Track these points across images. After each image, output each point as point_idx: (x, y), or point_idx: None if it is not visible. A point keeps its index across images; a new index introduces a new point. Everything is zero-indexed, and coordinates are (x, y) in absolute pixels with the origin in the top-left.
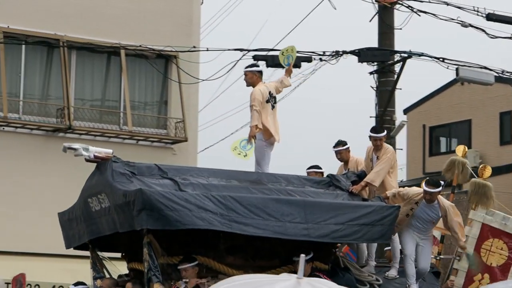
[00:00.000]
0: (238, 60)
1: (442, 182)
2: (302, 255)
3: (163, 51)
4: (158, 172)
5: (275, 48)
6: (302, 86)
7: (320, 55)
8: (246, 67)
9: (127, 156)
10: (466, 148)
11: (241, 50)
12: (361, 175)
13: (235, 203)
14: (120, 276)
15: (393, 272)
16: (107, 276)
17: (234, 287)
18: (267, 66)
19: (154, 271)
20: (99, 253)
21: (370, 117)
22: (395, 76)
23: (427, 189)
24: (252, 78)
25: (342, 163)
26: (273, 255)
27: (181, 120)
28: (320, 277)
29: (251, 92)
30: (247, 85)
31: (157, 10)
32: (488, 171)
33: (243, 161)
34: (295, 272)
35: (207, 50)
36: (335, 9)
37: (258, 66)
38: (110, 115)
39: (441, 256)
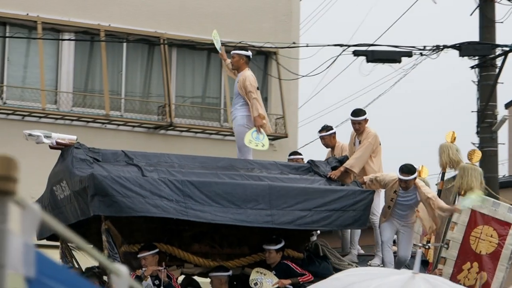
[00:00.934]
0: (338, 56)
1: (416, 168)
2: (419, 250)
3: (263, 47)
4: (124, 158)
5: (375, 43)
6: (402, 81)
7: (420, 49)
8: (235, 49)
9: (228, 153)
10: (455, 133)
11: (341, 45)
12: (343, 161)
13: (193, 188)
14: (89, 269)
15: (376, 261)
16: (76, 267)
17: (348, 277)
18: (367, 61)
19: (113, 258)
20: (69, 243)
21: (472, 112)
22: (497, 70)
23: (401, 177)
24: (239, 62)
25: (329, 149)
26: (242, 243)
27: (281, 117)
28: (289, 266)
29: (244, 78)
30: (233, 68)
31: (256, 7)
32: (477, 155)
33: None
34: (265, 260)
35: (307, 46)
36: (435, 3)
37: (247, 50)
38: (211, 112)
39: (430, 245)
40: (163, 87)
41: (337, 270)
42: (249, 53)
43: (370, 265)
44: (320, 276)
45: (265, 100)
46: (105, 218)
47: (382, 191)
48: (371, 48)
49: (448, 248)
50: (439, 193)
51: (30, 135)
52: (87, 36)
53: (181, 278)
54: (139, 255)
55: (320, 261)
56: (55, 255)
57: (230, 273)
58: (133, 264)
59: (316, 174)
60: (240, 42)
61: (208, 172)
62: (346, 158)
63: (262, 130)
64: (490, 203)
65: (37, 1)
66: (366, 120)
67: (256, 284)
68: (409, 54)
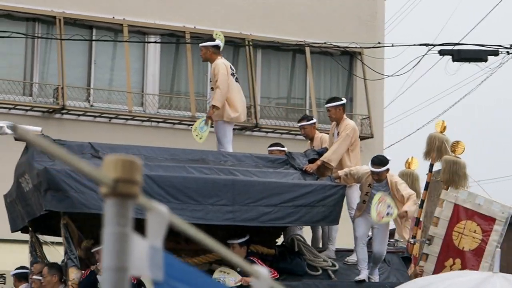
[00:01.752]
0: (423, 56)
1: (389, 159)
2: (498, 250)
3: (348, 47)
4: (90, 151)
5: (461, 42)
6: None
7: (507, 48)
8: (201, 43)
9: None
10: (445, 122)
11: (426, 45)
12: (322, 153)
13: (151, 183)
14: (52, 264)
15: (354, 257)
16: (44, 261)
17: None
18: (453, 60)
19: (70, 255)
20: (40, 236)
21: None
22: None
23: (373, 169)
24: (206, 53)
25: (309, 141)
26: (209, 238)
27: (366, 117)
28: (253, 262)
29: (213, 67)
30: (203, 61)
31: (341, 7)
32: (461, 148)
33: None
34: (217, 259)
35: (392, 46)
36: None
37: (213, 40)
38: (296, 113)
39: (411, 240)
40: (248, 88)
41: (311, 266)
42: (216, 42)
43: (347, 262)
44: (291, 272)
45: (350, 100)
46: (63, 213)
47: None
48: (456, 47)
49: (430, 244)
50: (427, 185)
51: None
52: (172, 38)
53: None
54: (93, 250)
55: (293, 257)
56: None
57: None
58: (93, 260)
59: (292, 167)
60: (325, 43)
61: (176, 165)
62: (325, 150)
63: (209, 122)
64: (473, 197)
65: (123, 5)
66: (338, 109)
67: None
68: (495, 53)
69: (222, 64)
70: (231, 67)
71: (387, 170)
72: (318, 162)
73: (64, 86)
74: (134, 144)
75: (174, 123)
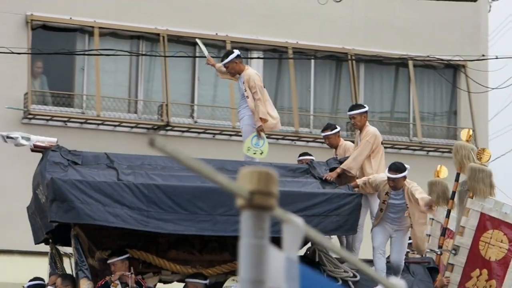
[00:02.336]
0: None
1: (407, 166)
2: None
3: (451, 60)
4: (105, 161)
5: None
6: None
7: None
8: (222, 60)
9: (417, 168)
10: (471, 131)
11: None
12: (344, 162)
13: (159, 193)
14: (65, 275)
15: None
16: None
17: None
18: None
19: (81, 266)
20: (61, 248)
21: None
22: None
23: (389, 175)
24: (235, 67)
25: (334, 149)
26: (223, 248)
27: (471, 130)
28: None
29: (248, 78)
30: (233, 75)
31: (443, 20)
32: (487, 155)
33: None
34: (234, 269)
35: (496, 58)
36: None
37: (233, 52)
38: (400, 127)
39: (437, 250)
40: (351, 103)
41: (331, 278)
42: (236, 52)
43: None
44: None
45: (454, 113)
46: (74, 224)
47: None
48: None
49: (456, 254)
50: (453, 194)
51: (8, 137)
52: (275, 54)
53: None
54: (108, 261)
55: (313, 268)
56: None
57: (207, 281)
58: (106, 272)
59: (312, 176)
60: (428, 56)
61: (190, 174)
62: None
63: (262, 134)
64: (499, 206)
65: (225, 21)
66: (363, 116)
67: None
68: None
69: (256, 75)
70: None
71: (404, 177)
72: (338, 170)
73: (168, 103)
74: (152, 155)
75: (277, 138)
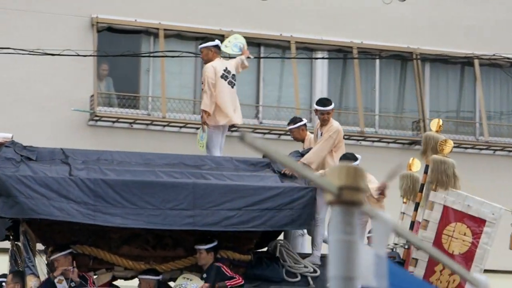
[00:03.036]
0: None
1: (358, 157)
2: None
3: None
4: (60, 157)
5: None
6: None
7: None
8: (200, 43)
9: (483, 168)
10: (441, 121)
11: None
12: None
13: (106, 188)
14: (17, 272)
15: (311, 259)
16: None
17: None
18: None
19: (27, 263)
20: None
21: None
22: None
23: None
24: (208, 54)
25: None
26: (177, 244)
27: None
28: (220, 268)
29: (203, 70)
30: (205, 63)
31: (509, 18)
32: (448, 146)
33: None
34: (197, 263)
35: None
36: None
37: (213, 40)
38: (466, 126)
39: (403, 244)
40: (416, 102)
41: (290, 273)
42: (216, 42)
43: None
44: (267, 279)
45: None
46: (22, 219)
47: None
48: None
49: (419, 248)
50: (422, 187)
51: None
52: (340, 54)
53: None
54: (51, 257)
55: (270, 263)
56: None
57: (160, 277)
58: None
59: (271, 170)
60: (493, 55)
61: (146, 169)
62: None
63: (204, 127)
64: (462, 198)
65: (290, 21)
66: (332, 111)
67: None
68: None
69: (210, 67)
70: (225, 69)
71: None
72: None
73: None
74: (111, 150)
75: (344, 139)
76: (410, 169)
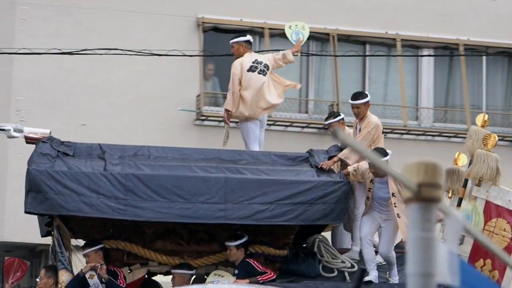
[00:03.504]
0: None
1: (388, 152)
2: None
3: None
4: (97, 152)
5: None
6: None
7: None
8: (232, 39)
9: None
10: (486, 116)
11: None
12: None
13: (137, 182)
14: (49, 267)
15: (349, 254)
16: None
17: None
18: None
19: (60, 257)
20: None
21: None
22: None
23: (369, 162)
24: (239, 49)
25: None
26: (212, 239)
27: None
28: (250, 264)
29: (232, 66)
30: (236, 58)
31: None
32: (492, 141)
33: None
34: (222, 260)
35: None
36: None
37: (245, 35)
38: None
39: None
40: None
41: (327, 268)
42: (247, 37)
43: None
44: (301, 274)
45: None
46: (56, 215)
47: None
48: None
49: (461, 244)
50: (466, 182)
51: (0, 129)
52: (446, 51)
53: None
54: (82, 252)
55: (306, 258)
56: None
57: (193, 272)
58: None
59: (309, 165)
60: None
61: (181, 164)
62: None
63: (226, 126)
64: (504, 193)
65: (395, 19)
66: (366, 105)
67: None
68: None
69: (237, 64)
70: (254, 61)
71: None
72: (335, 159)
73: (339, 102)
74: (147, 145)
75: (449, 137)
76: (456, 164)
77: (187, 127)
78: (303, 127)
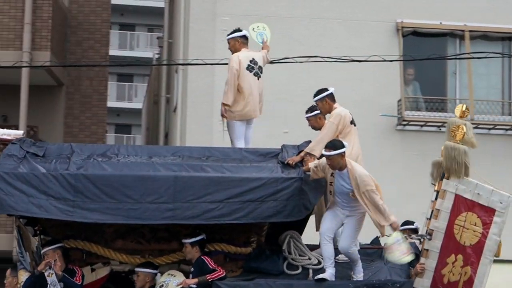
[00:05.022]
0: None
1: (345, 143)
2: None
3: None
4: (67, 152)
5: None
6: None
7: None
8: (228, 35)
9: None
10: (465, 106)
11: None
12: None
13: (87, 183)
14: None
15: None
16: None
17: None
18: None
19: (19, 257)
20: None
21: None
22: None
23: (324, 152)
24: (235, 45)
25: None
26: (172, 237)
27: None
28: (204, 261)
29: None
30: (232, 53)
31: None
32: (460, 132)
33: None
34: (185, 258)
35: None
36: None
37: (240, 31)
38: None
39: (424, 235)
40: None
41: (292, 266)
42: (244, 33)
43: (338, 260)
44: (263, 272)
45: None
46: (18, 216)
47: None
48: None
49: (431, 239)
50: (443, 175)
51: None
52: None
53: None
54: (42, 251)
55: (270, 255)
56: None
57: (157, 271)
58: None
59: (276, 161)
60: None
61: (144, 162)
62: None
63: (224, 120)
64: (472, 186)
65: None
66: (325, 101)
67: (161, 286)
68: None
69: (235, 57)
70: (251, 60)
71: (340, 155)
72: (302, 154)
73: None
74: (119, 144)
75: None
76: (442, 156)
77: (389, 132)
78: (506, 129)
